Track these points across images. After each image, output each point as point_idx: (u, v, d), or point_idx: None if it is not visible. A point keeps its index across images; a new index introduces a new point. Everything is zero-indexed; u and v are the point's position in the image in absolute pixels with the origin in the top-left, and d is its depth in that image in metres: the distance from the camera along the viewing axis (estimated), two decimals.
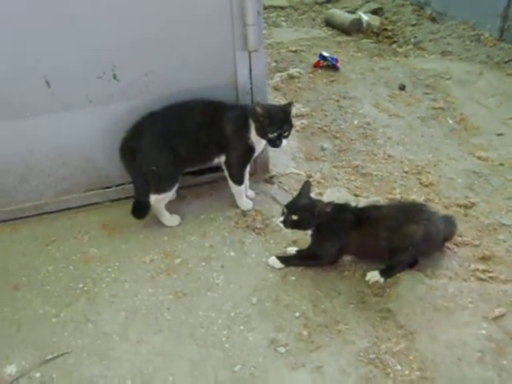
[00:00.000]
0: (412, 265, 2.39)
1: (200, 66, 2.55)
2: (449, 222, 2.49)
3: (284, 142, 2.47)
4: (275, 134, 2.43)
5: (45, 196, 2.73)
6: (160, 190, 2.54)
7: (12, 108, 2.46)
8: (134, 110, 2.51)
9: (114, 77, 2.49)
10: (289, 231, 2.40)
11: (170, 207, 2.66)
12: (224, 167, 2.64)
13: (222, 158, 2.61)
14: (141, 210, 2.57)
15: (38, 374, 2.02)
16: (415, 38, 4.94)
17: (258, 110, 2.41)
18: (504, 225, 2.68)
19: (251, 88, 2.66)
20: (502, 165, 3.19)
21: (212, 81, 2.59)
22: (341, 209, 2.37)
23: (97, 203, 2.79)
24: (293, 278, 2.37)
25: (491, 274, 2.35)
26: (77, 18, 2.34)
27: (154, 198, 2.55)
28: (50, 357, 2.07)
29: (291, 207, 2.29)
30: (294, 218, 2.27)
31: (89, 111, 2.54)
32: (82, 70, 2.45)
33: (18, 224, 2.71)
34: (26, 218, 2.73)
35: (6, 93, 2.42)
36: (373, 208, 2.46)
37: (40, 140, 2.58)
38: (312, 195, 2.46)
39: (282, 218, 2.30)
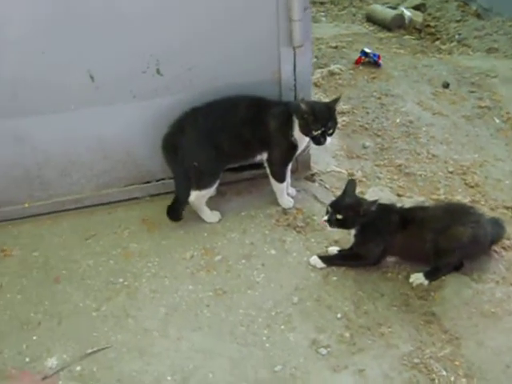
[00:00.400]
0: (457, 268, 2.32)
1: (244, 61, 2.52)
2: (497, 224, 2.41)
3: (328, 139, 2.42)
4: (319, 132, 2.38)
5: (85, 189, 2.75)
6: (201, 186, 2.52)
7: (56, 101, 2.49)
8: (177, 104, 2.50)
9: (158, 71, 2.48)
10: (332, 230, 2.35)
11: (210, 204, 2.65)
12: (266, 164, 2.60)
13: (264, 155, 2.57)
14: (176, 212, 2.57)
15: (78, 368, 2.03)
16: (459, 34, 4.80)
17: (303, 106, 2.36)
18: None
19: (295, 84, 2.61)
20: None
21: (255, 76, 2.55)
22: (386, 209, 2.31)
23: (136, 198, 2.79)
24: (335, 278, 2.33)
25: None
26: (121, 14, 2.35)
27: (195, 194, 2.54)
28: (90, 351, 2.08)
29: (336, 206, 2.25)
30: (339, 217, 2.22)
31: (132, 106, 2.54)
32: (126, 64, 2.45)
33: (59, 217, 2.73)
34: (66, 211, 2.75)
35: (50, 86, 2.44)
36: (419, 209, 2.40)
37: (83, 133, 2.60)
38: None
39: (326, 217, 2.25)
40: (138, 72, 2.47)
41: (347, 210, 2.22)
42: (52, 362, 2.05)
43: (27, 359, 2.06)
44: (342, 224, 2.26)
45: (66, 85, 2.45)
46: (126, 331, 2.15)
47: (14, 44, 2.33)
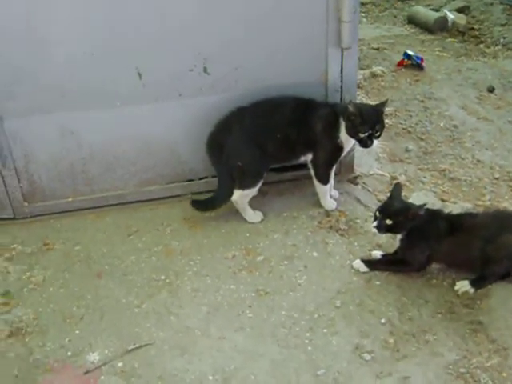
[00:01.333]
0: (504, 276, 2.25)
1: (291, 62, 2.52)
2: None
3: (375, 142, 2.39)
4: (366, 134, 2.36)
5: (128, 186, 2.78)
6: (244, 186, 2.52)
7: (103, 97, 2.52)
8: (222, 104, 2.51)
9: (205, 70, 2.49)
10: (376, 234, 2.32)
11: (252, 203, 2.64)
12: (310, 166, 2.59)
13: (309, 157, 2.56)
14: (201, 204, 2.59)
15: (120, 364, 2.03)
16: (504, 38, 4.69)
17: (350, 108, 2.34)
18: None
19: (341, 86, 2.60)
20: None
21: (302, 77, 2.55)
22: (434, 214, 2.27)
23: (179, 196, 2.80)
24: (378, 282, 2.29)
25: None
26: (170, 13, 2.37)
27: (238, 194, 2.54)
28: (132, 347, 2.08)
29: (385, 211, 2.21)
30: (389, 222, 2.19)
31: (178, 104, 2.56)
32: (173, 62, 2.47)
33: (102, 212, 2.76)
34: (109, 206, 2.78)
35: (98, 82, 2.47)
36: (467, 215, 2.35)
37: (128, 130, 2.63)
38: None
39: (375, 223, 2.22)
40: (185, 70, 2.49)
41: (397, 214, 2.19)
42: (94, 357, 2.06)
43: (69, 353, 2.07)
44: (391, 229, 2.22)
45: (113, 81, 2.48)
46: (168, 329, 2.15)
47: (63, 44, 2.38)
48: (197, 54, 2.46)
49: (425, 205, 2.20)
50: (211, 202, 2.60)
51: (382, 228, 2.21)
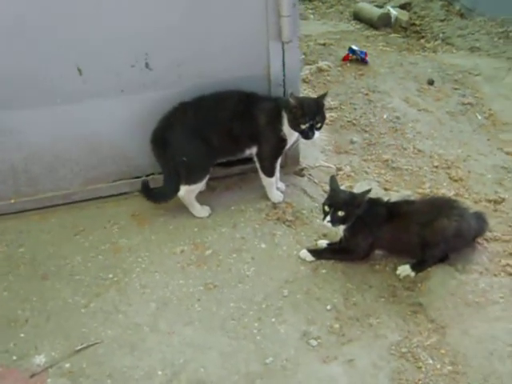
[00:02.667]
0: (442, 259, 2.36)
1: (233, 57, 2.54)
2: (480, 218, 2.46)
3: (316, 133, 2.44)
4: (307, 125, 2.40)
5: (73, 185, 2.73)
6: (191, 181, 2.53)
7: (42, 94, 2.47)
8: (165, 99, 2.50)
9: (147, 66, 2.48)
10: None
11: (200, 198, 2.65)
12: (255, 159, 2.62)
13: (254, 150, 2.59)
14: (151, 192, 2.59)
15: (67, 365, 2.01)
16: (443, 33, 4.87)
17: (291, 101, 2.38)
18: None
19: (284, 80, 2.64)
20: None
21: (244, 72, 2.57)
22: (374, 203, 2.34)
23: (126, 193, 2.78)
24: (324, 270, 2.35)
25: None
26: (110, 5, 2.34)
27: (184, 189, 2.54)
28: (79, 347, 2.06)
29: (335, 204, 2.24)
30: (341, 214, 2.22)
31: (121, 100, 2.53)
32: (114, 58, 2.45)
33: (47, 213, 2.71)
34: (54, 206, 2.73)
35: (36, 79, 2.42)
36: (405, 203, 2.44)
37: (69, 128, 2.58)
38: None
39: (328, 218, 2.23)
40: (126, 66, 2.47)
41: (347, 205, 2.23)
42: (40, 360, 2.02)
43: (14, 357, 2.03)
44: (344, 220, 2.25)
45: (52, 78, 2.43)
46: (117, 327, 2.14)
47: None
48: (138, 50, 2.44)
49: (369, 191, 2.25)
50: (158, 196, 2.60)
51: (335, 221, 2.23)
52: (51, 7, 2.29)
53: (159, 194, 2.60)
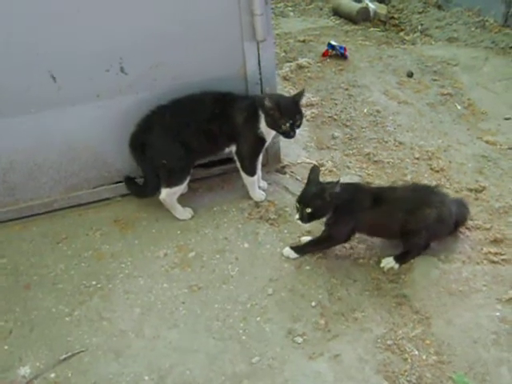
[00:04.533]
0: (424, 247, 2.37)
1: (208, 58, 2.52)
2: (461, 204, 2.48)
3: (297, 131, 2.43)
4: (288, 126, 2.39)
5: (54, 193, 2.70)
6: (171, 184, 2.51)
7: (17, 103, 2.43)
8: (142, 103, 2.49)
9: (122, 70, 2.46)
10: (307, 225, 2.35)
11: (182, 200, 2.64)
12: (236, 158, 2.60)
13: (233, 148, 2.57)
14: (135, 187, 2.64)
15: (52, 375, 1.99)
16: (422, 25, 4.88)
17: (267, 103, 2.36)
18: None
19: (260, 79, 2.62)
20: (510, 149, 3.17)
21: (221, 72, 2.55)
22: (356, 189, 2.33)
23: (107, 199, 2.76)
24: (308, 267, 2.35)
25: (503, 257, 2.36)
26: (80, 10, 2.30)
27: (165, 192, 2.53)
28: (64, 356, 2.05)
29: (303, 200, 2.22)
30: (309, 210, 2.20)
31: (97, 105, 2.51)
32: (88, 63, 2.41)
33: (28, 222, 2.69)
34: (36, 215, 2.70)
35: (9, 88, 2.38)
36: (388, 189, 2.45)
37: (47, 136, 2.55)
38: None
39: (298, 215, 2.23)
40: (101, 71, 2.44)
41: (314, 200, 2.20)
42: (25, 371, 2.01)
43: None
44: (314, 216, 2.22)
45: (25, 86, 2.39)
46: (101, 334, 2.12)
47: None
48: (112, 54, 2.41)
49: (338, 181, 2.19)
50: (138, 192, 2.64)
51: (305, 218, 2.21)
52: (22, 14, 2.26)
53: (139, 191, 2.63)
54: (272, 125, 2.43)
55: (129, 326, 2.15)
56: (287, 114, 2.38)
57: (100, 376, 1.97)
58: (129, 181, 2.64)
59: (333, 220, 2.29)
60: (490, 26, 4.57)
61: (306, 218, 2.22)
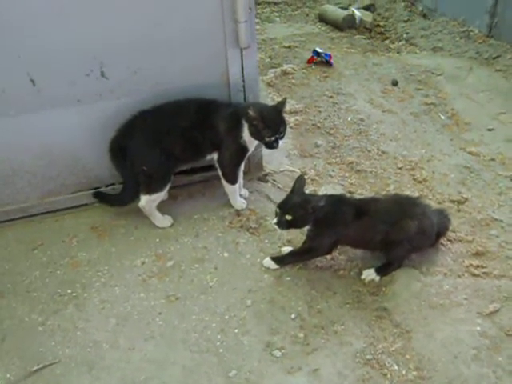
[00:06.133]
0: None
1: (191, 64, 2.49)
2: (442, 215, 2.47)
3: (280, 142, 2.40)
4: (272, 138, 2.37)
5: (30, 198, 2.65)
6: (151, 191, 2.47)
7: None
8: (123, 108, 2.44)
9: (102, 74, 2.41)
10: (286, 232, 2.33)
11: (162, 208, 2.60)
12: (217, 166, 2.57)
13: (215, 156, 2.54)
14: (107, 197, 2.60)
15: None
16: (407, 33, 4.93)
17: (251, 113, 2.33)
18: (496, 220, 2.67)
19: (243, 86, 2.60)
20: (492, 160, 3.18)
21: (204, 79, 2.52)
22: (339, 201, 2.30)
23: (85, 205, 2.71)
24: (288, 278, 2.32)
25: (485, 270, 2.35)
26: (61, 13, 2.26)
27: (145, 199, 2.49)
28: (36, 368, 1.99)
29: (284, 207, 2.20)
30: (288, 217, 2.17)
31: (77, 110, 2.46)
32: (68, 67, 2.37)
33: (3, 227, 2.63)
34: (11, 221, 2.65)
35: None
36: (371, 200, 2.43)
37: (25, 139, 2.50)
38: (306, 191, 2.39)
39: (275, 220, 2.21)
40: (81, 75, 2.39)
41: (296, 209, 2.18)
42: None
43: None
44: (292, 225, 2.21)
45: (4, 89, 2.34)
46: (74, 345, 2.07)
47: None
48: (92, 58, 2.37)
49: (325, 196, 2.21)
50: (114, 201, 2.59)
51: (282, 224, 2.19)
52: (1, 16, 2.20)
53: (116, 200, 2.57)
54: (255, 135, 2.40)
55: (103, 336, 2.10)
56: (271, 126, 2.36)
57: None
58: (98, 195, 2.59)
59: (314, 232, 2.27)
60: (475, 37, 4.62)
61: (285, 225, 2.20)
